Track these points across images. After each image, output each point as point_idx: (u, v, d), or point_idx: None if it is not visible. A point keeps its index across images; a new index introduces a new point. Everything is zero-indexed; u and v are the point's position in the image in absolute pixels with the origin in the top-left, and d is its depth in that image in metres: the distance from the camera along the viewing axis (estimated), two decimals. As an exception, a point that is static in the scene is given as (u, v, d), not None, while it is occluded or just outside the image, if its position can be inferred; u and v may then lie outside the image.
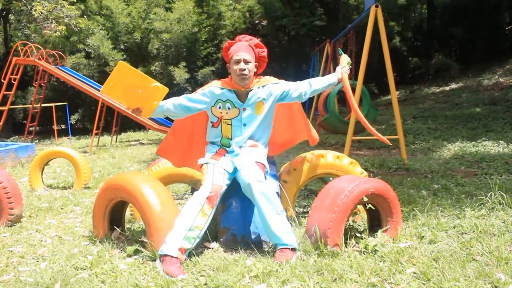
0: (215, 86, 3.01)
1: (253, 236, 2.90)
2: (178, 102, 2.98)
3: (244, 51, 2.91)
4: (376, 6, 6.07)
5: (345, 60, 3.36)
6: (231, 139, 2.99)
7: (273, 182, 3.03)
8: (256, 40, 3.05)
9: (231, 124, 2.99)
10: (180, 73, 17.04)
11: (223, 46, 3.13)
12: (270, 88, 3.03)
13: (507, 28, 18.10)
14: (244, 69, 2.88)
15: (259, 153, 2.96)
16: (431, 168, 5.42)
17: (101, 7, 19.01)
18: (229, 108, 2.96)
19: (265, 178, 2.90)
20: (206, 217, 2.66)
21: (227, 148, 3.01)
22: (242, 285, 2.27)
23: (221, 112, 2.99)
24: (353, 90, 7.30)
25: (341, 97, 12.04)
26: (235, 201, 2.95)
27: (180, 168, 3.53)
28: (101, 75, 17.42)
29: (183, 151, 3.29)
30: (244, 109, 2.97)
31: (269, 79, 3.08)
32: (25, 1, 15.45)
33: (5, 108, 12.14)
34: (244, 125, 2.98)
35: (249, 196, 2.77)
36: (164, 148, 3.27)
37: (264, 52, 3.06)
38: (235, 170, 2.88)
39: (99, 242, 3.03)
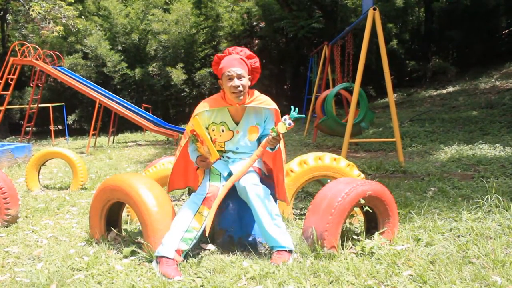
0: (205, 112, 2.82)
1: (249, 238, 2.89)
2: None
3: (237, 65, 2.72)
4: (374, 9, 6.09)
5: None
6: (223, 156, 2.97)
7: (270, 185, 3.03)
8: (247, 51, 2.87)
9: (223, 147, 2.91)
10: (177, 74, 17.05)
11: (213, 60, 2.90)
12: (266, 115, 2.89)
13: (503, 32, 18.18)
14: (239, 86, 2.69)
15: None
16: (428, 171, 5.43)
17: (99, 8, 19.02)
18: (222, 131, 2.84)
19: (262, 181, 2.90)
20: (203, 218, 2.65)
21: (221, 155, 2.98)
22: (239, 287, 2.27)
23: (214, 135, 2.88)
24: (351, 92, 7.34)
25: (339, 99, 12.07)
26: (232, 203, 2.95)
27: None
28: (99, 76, 17.43)
29: (184, 168, 3.17)
30: (238, 132, 2.85)
31: (265, 100, 2.88)
32: (22, 1, 15.44)
33: (2, 108, 12.10)
34: (237, 148, 2.91)
35: (244, 199, 2.77)
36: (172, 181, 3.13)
37: (256, 62, 2.87)
38: (230, 173, 2.88)
39: (96, 243, 3.02)
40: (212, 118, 2.85)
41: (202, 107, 2.85)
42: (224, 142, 2.89)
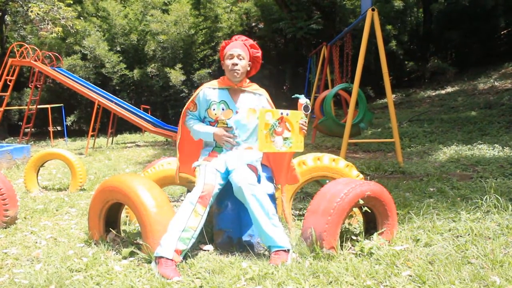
0: (206, 88, 3.06)
1: (248, 238, 2.89)
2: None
3: (238, 47, 3.00)
4: (373, 10, 6.10)
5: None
6: (220, 151, 3.00)
7: (269, 185, 3.03)
8: (251, 41, 3.12)
9: (226, 125, 3.00)
10: (176, 75, 17.04)
11: (220, 47, 3.16)
12: (260, 101, 3.11)
13: (502, 33, 18.21)
14: (237, 64, 2.95)
15: (253, 155, 2.96)
16: (427, 171, 5.44)
17: (98, 9, 19.01)
18: (223, 109, 3.00)
19: (259, 180, 2.90)
20: (199, 217, 2.65)
21: (219, 150, 3.01)
22: (238, 288, 2.27)
23: (215, 114, 3.02)
24: (350, 93, 7.35)
25: (338, 100, 12.07)
26: (230, 203, 2.95)
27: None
28: (97, 77, 17.41)
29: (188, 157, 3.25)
30: (237, 112, 3.00)
31: (259, 88, 3.15)
32: (21, 2, 15.42)
33: (1, 109, 12.09)
34: (236, 128, 3.00)
35: (241, 199, 2.77)
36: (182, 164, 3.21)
37: (258, 53, 3.12)
38: (227, 170, 2.88)
39: (95, 244, 3.02)
40: (213, 97, 3.03)
41: (205, 85, 3.11)
42: (226, 120, 3.00)
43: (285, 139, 2.83)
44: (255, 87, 3.14)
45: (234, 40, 3.10)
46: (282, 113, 2.82)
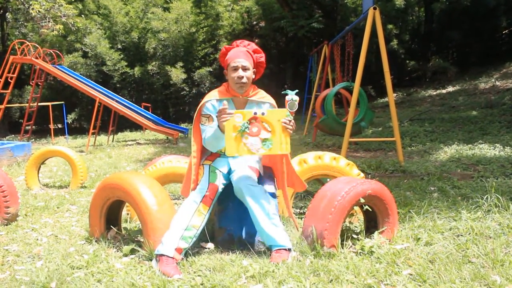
0: (210, 102, 2.86)
1: (249, 237, 2.90)
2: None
3: (242, 57, 2.81)
4: (374, 8, 6.09)
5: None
6: (224, 152, 2.95)
7: (270, 184, 3.03)
8: (254, 46, 2.95)
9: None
10: (177, 73, 17.06)
11: (221, 50, 3.02)
12: (264, 109, 2.92)
13: (503, 32, 18.19)
14: (242, 77, 2.77)
15: (254, 157, 2.95)
16: (428, 171, 5.43)
17: (99, 7, 19.02)
18: None
19: (261, 180, 2.89)
20: (203, 216, 2.66)
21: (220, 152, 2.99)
22: (239, 285, 2.27)
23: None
24: (351, 92, 7.34)
25: (339, 99, 12.07)
26: (232, 201, 2.95)
27: (177, 168, 3.52)
28: (98, 74, 17.42)
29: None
30: None
31: (265, 95, 2.96)
32: (22, 0, 15.41)
33: (2, 107, 12.08)
34: None
35: (241, 199, 2.77)
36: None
37: (262, 57, 2.96)
38: (230, 170, 2.88)
39: (95, 241, 3.02)
40: (218, 108, 2.82)
41: (210, 96, 2.89)
42: None
43: (263, 140, 2.64)
44: (260, 95, 2.94)
45: (235, 46, 2.92)
46: (255, 113, 2.63)
